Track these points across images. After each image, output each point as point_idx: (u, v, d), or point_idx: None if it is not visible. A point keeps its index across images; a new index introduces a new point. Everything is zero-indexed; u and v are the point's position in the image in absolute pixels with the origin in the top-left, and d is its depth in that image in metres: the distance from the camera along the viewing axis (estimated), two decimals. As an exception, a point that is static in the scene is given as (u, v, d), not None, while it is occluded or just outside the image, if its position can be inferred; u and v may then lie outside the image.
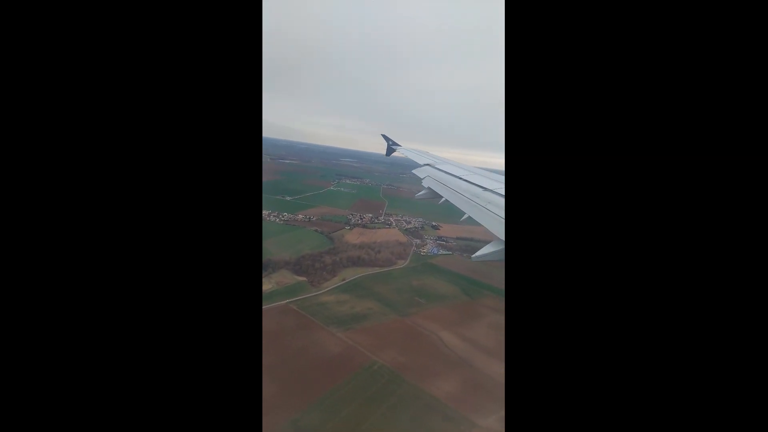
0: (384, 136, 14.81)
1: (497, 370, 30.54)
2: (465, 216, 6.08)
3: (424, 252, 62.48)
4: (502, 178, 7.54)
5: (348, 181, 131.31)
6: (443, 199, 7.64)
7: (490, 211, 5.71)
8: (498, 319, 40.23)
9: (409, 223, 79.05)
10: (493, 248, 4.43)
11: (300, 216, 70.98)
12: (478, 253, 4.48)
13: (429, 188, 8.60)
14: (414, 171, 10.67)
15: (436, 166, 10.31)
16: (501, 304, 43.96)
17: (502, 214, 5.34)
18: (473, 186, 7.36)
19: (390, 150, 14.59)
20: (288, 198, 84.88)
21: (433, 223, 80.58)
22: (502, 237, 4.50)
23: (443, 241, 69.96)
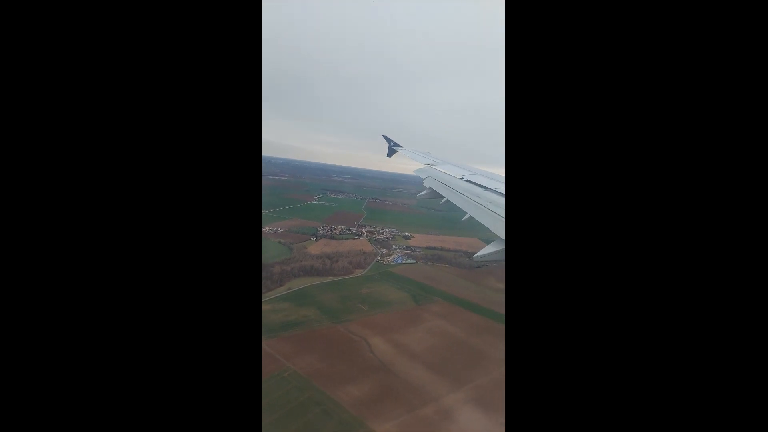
0: (385, 137, 14.72)
1: (416, 374, 29.77)
2: (466, 216, 5.96)
3: (387, 261, 62.02)
4: (503, 178, 7.49)
5: (333, 195, 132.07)
6: (444, 199, 7.57)
7: (491, 211, 5.55)
8: (438, 324, 39.54)
9: (381, 233, 78.84)
10: (494, 248, 4.31)
11: (267, 228, 71.06)
12: (479, 253, 4.39)
13: (430, 188, 8.47)
14: (415, 171, 10.57)
15: (437, 167, 10.15)
16: (447, 309, 43.32)
17: (503, 213, 5.21)
18: (474, 186, 7.21)
19: (391, 151, 14.40)
20: (263, 211, 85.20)
21: (406, 234, 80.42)
22: (503, 236, 4.39)
23: (411, 250, 69.57)
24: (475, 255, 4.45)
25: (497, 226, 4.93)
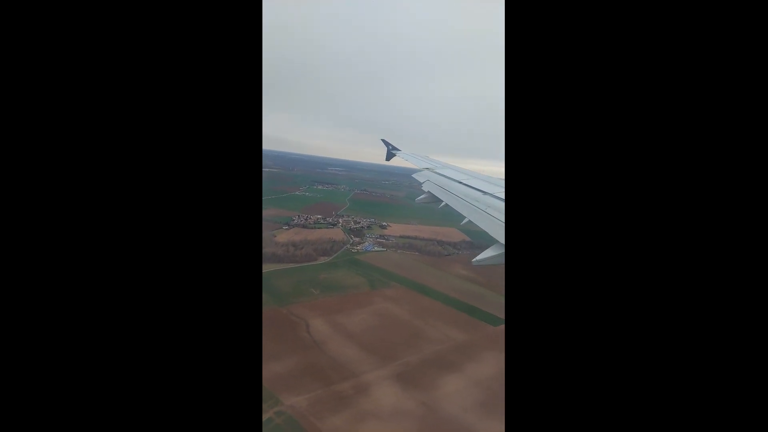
0: (384, 141, 14.86)
1: (346, 352, 30.18)
2: (465, 220, 6.07)
3: (356, 249, 62.26)
4: (502, 182, 7.57)
5: (320, 187, 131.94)
6: (443, 203, 7.70)
7: (489, 215, 5.67)
8: (385, 306, 39.86)
9: (358, 223, 78.98)
10: (494, 252, 4.36)
11: (240, 218, 71.32)
12: (478, 257, 4.40)
13: (429, 192, 8.61)
14: (414, 175, 10.62)
15: (436, 171, 10.25)
16: (401, 293, 43.59)
17: (502, 217, 5.30)
18: (473, 190, 7.30)
19: (390, 155, 14.58)
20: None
21: (383, 223, 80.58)
22: (502, 240, 4.47)
23: (384, 239, 69.75)
24: (474, 259, 4.43)
25: (496, 230, 4.98)
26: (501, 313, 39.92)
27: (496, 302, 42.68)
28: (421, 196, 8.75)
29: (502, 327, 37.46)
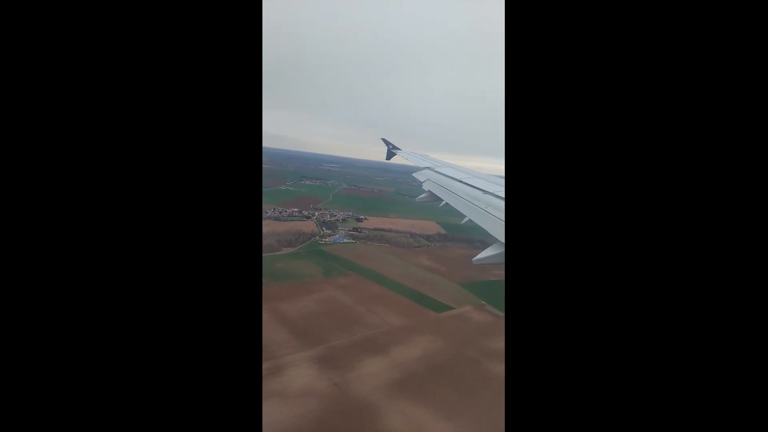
0: (384, 140, 14.99)
1: (274, 336, 30.25)
2: (465, 219, 6.23)
3: (324, 241, 62.42)
4: (502, 181, 7.69)
5: (308, 182, 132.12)
6: (444, 202, 7.90)
7: (489, 214, 5.80)
8: (332, 294, 39.98)
9: (334, 216, 79.13)
10: (494, 251, 4.40)
11: (214, 211, 71.70)
12: (479, 256, 4.42)
13: (429, 191, 8.78)
14: (414, 174, 10.80)
15: (437, 170, 10.44)
16: (354, 282, 43.67)
17: (502, 216, 5.37)
18: (473, 189, 7.46)
19: (390, 154, 14.74)
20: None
21: (360, 216, 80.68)
22: (502, 239, 4.50)
23: (357, 231, 69.85)
24: (475, 258, 4.42)
25: (496, 229, 5.03)
26: (450, 301, 39.90)
27: (448, 290, 42.64)
28: (422, 195, 8.85)
29: (444, 314, 37.48)
